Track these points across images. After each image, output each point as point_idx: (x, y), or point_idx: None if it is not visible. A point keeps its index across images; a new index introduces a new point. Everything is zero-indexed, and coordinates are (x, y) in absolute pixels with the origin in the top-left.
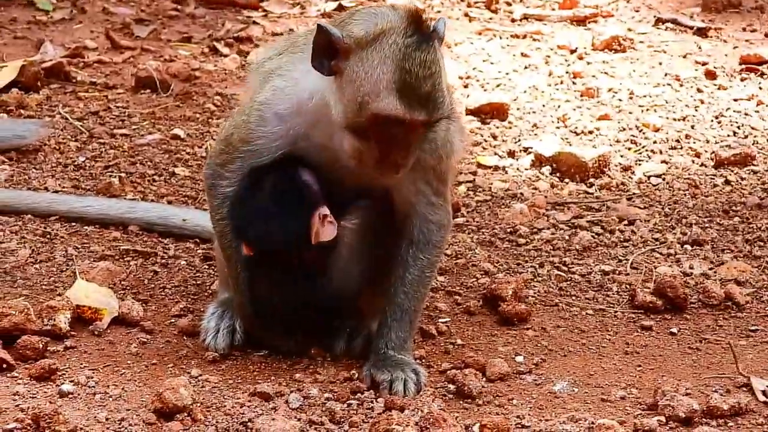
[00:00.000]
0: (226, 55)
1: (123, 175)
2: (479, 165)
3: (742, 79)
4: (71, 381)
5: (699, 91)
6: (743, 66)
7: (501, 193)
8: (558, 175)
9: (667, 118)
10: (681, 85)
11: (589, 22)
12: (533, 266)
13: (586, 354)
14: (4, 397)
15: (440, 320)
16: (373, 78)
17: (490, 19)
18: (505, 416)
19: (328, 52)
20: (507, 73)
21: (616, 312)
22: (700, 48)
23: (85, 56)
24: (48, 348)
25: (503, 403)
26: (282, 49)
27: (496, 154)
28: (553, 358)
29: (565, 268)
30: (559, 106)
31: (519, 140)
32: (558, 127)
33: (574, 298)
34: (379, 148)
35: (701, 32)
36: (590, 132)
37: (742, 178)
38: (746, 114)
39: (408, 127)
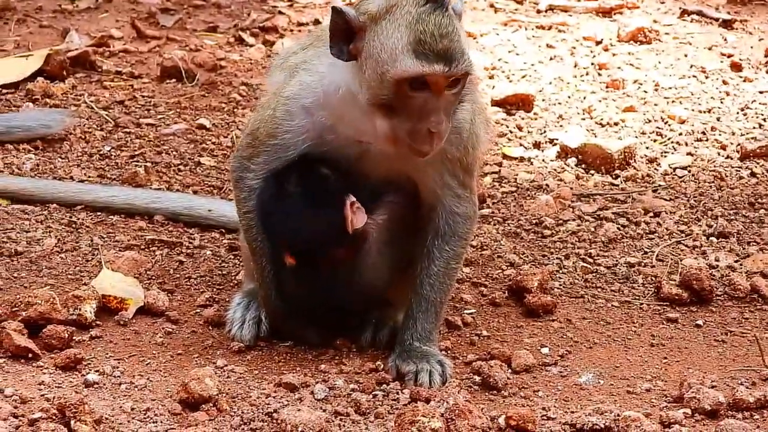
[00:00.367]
0: (251, 45)
1: (148, 164)
2: (505, 156)
3: None
4: (97, 371)
5: (724, 83)
6: None
7: (526, 184)
8: (583, 166)
9: (693, 110)
10: (706, 77)
11: (614, 14)
12: (559, 258)
13: (611, 346)
14: (30, 387)
15: (466, 311)
16: (390, 46)
17: (516, 10)
18: (530, 408)
19: (345, 36)
20: (532, 65)
21: (641, 304)
22: (725, 40)
23: (111, 45)
24: (73, 338)
25: (529, 395)
26: (306, 43)
27: (521, 145)
28: (579, 349)
29: (591, 260)
30: (584, 98)
31: (544, 131)
32: (583, 119)
33: (599, 289)
34: (409, 120)
35: (727, 24)
36: (616, 123)
37: None
38: None
39: (433, 89)
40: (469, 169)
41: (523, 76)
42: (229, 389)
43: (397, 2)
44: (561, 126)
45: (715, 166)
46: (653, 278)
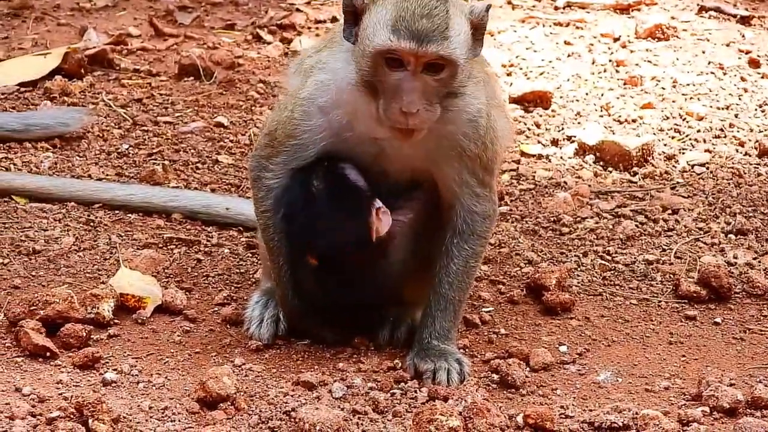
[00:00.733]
0: (269, 43)
1: (166, 162)
2: (523, 153)
3: None
4: (115, 369)
5: (742, 79)
6: None
7: (544, 181)
8: (601, 163)
9: (711, 106)
10: (724, 74)
11: (632, 10)
12: (577, 255)
13: (630, 344)
14: (48, 386)
15: (484, 309)
16: (374, 23)
17: (534, 6)
18: (548, 406)
19: (353, 18)
20: (550, 61)
21: (660, 302)
22: (743, 36)
23: (129, 43)
24: (91, 336)
25: (547, 393)
26: (320, 45)
27: (539, 142)
28: (597, 347)
29: (609, 258)
30: (602, 95)
31: (562, 129)
32: (601, 116)
33: (617, 287)
34: (385, 99)
35: (745, 20)
36: (634, 120)
37: None
38: None
39: (408, 68)
40: (489, 166)
41: (541, 73)
42: (247, 388)
43: None
44: (579, 123)
45: (733, 163)
46: (671, 276)
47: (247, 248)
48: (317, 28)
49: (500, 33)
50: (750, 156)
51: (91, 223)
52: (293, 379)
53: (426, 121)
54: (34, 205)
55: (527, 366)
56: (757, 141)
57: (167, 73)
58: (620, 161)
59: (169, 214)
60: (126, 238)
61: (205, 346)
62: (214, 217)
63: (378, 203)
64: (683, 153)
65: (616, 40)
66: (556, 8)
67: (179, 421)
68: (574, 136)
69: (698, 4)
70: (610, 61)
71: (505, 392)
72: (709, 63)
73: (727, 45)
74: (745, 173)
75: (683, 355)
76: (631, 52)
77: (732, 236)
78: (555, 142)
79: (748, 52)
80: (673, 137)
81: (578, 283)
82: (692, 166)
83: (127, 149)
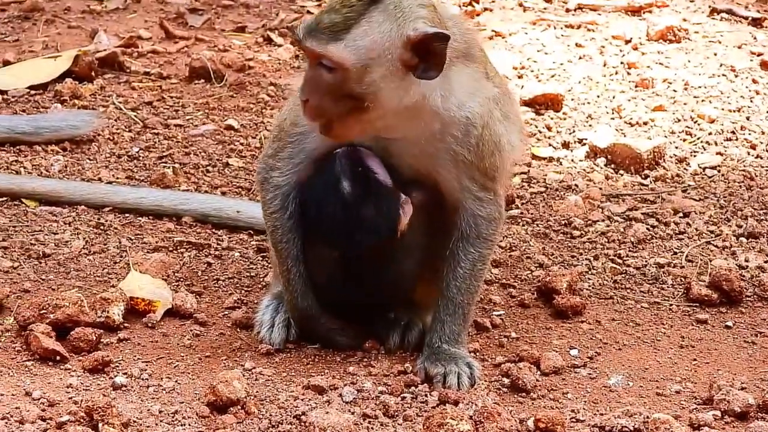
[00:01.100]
0: (280, 45)
1: (177, 165)
2: (534, 156)
3: None
4: (125, 373)
5: (754, 82)
6: None
7: (555, 184)
8: (613, 166)
9: (723, 109)
10: (736, 76)
11: (643, 12)
12: (588, 258)
13: (641, 347)
14: (58, 390)
15: (494, 313)
16: None
17: (545, 9)
18: (559, 410)
19: None
20: (561, 64)
21: (671, 305)
22: (755, 38)
23: (139, 46)
24: (101, 340)
25: (558, 397)
26: None
27: (550, 145)
28: (608, 351)
29: (620, 261)
30: (613, 97)
31: (573, 131)
32: (613, 118)
33: (628, 290)
34: None
35: (756, 22)
36: (645, 123)
37: None
38: None
39: (308, 58)
40: (490, 174)
41: (552, 76)
42: (257, 392)
43: None
44: (590, 126)
45: (744, 166)
46: (683, 279)
47: (258, 251)
48: None
49: (511, 35)
50: (762, 159)
51: (102, 227)
52: (303, 383)
53: (316, 114)
54: (44, 208)
55: (538, 370)
56: None
57: (178, 75)
58: (631, 164)
59: (179, 218)
60: (136, 242)
61: (215, 349)
62: (225, 220)
63: (403, 196)
64: (695, 156)
65: (627, 42)
66: (568, 10)
67: (189, 425)
68: (586, 139)
69: (710, 6)
70: (621, 63)
71: (515, 396)
72: (720, 65)
73: (739, 47)
74: (756, 176)
75: (694, 359)
76: (643, 54)
77: (743, 239)
78: (566, 145)
79: (759, 55)
80: (684, 140)
81: (589, 286)
82: (704, 168)
83: (137, 152)
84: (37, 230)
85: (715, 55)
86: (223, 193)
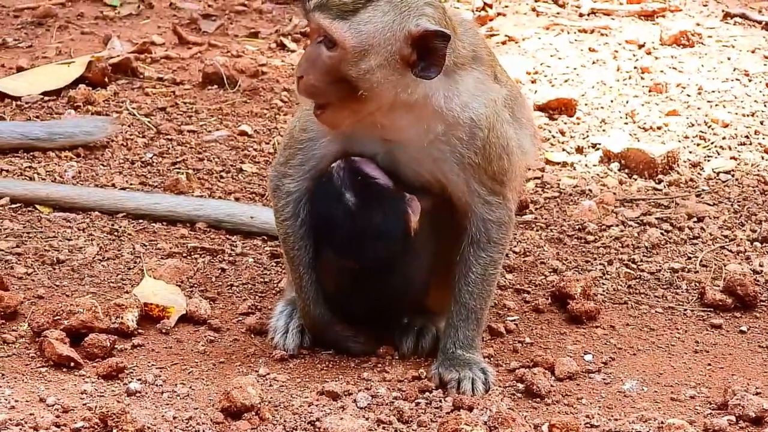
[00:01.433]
0: (293, 51)
1: (190, 171)
2: (547, 161)
3: None
4: (139, 379)
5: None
6: None
7: (569, 189)
8: (626, 171)
9: (736, 113)
10: (750, 81)
11: (657, 17)
12: (602, 264)
13: (655, 352)
14: (72, 396)
15: (508, 318)
16: None
17: (558, 13)
18: (574, 416)
19: None
20: (575, 69)
21: (685, 310)
22: None
23: (153, 52)
24: (115, 346)
25: (572, 403)
26: None
27: (564, 150)
28: (622, 356)
29: (634, 266)
30: (627, 102)
31: (587, 136)
32: (626, 123)
33: (643, 295)
34: None
35: None
36: (659, 128)
37: None
38: None
39: (311, 34)
40: (498, 178)
41: (566, 81)
42: (271, 398)
43: None
44: (604, 130)
45: (758, 171)
46: (697, 284)
47: (272, 257)
48: None
49: (524, 40)
50: None
51: (115, 233)
52: (318, 389)
53: (307, 90)
54: (58, 214)
55: (552, 375)
56: None
57: (191, 81)
58: (645, 169)
59: (193, 224)
60: (150, 248)
61: (229, 355)
62: (239, 226)
63: (407, 195)
64: (708, 160)
65: (640, 46)
66: (581, 15)
67: (204, 431)
68: (599, 144)
69: (723, 11)
70: (634, 68)
71: (530, 401)
72: (734, 70)
73: (753, 51)
74: None
75: (709, 364)
76: (656, 58)
77: (758, 244)
78: (580, 150)
79: None
80: (698, 144)
81: (603, 291)
82: (717, 173)
83: (151, 158)
84: (51, 236)
85: (729, 59)
86: (237, 199)
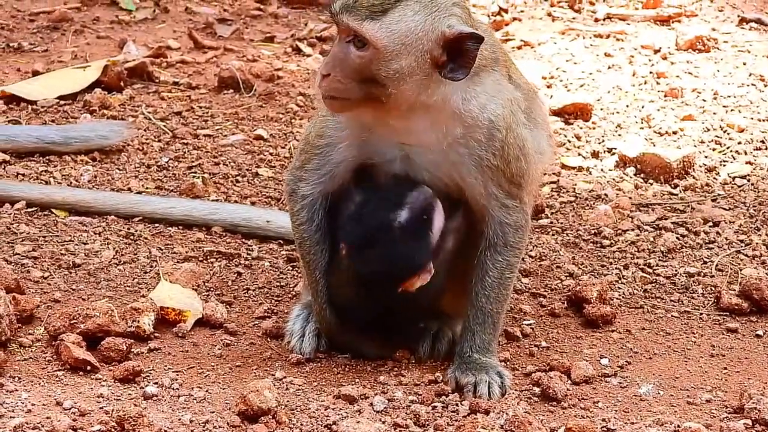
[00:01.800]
0: (308, 55)
1: (206, 175)
2: (563, 166)
3: None
4: (155, 383)
5: None
6: None
7: (585, 194)
8: (642, 176)
9: (752, 118)
10: (765, 86)
11: (672, 22)
12: (618, 268)
13: (671, 356)
14: (89, 400)
15: (525, 322)
16: None
17: (573, 18)
18: (590, 419)
19: None
20: (590, 73)
21: (701, 314)
22: None
23: (168, 56)
24: (132, 350)
25: (588, 406)
26: None
27: (579, 154)
28: (639, 360)
29: (650, 270)
30: (642, 107)
31: (603, 141)
32: (642, 128)
33: (659, 300)
34: None
35: None
36: (674, 132)
37: None
38: None
39: (339, 34)
40: (516, 181)
41: (581, 85)
42: (288, 401)
43: None
44: (619, 135)
45: None
46: (713, 288)
47: (288, 261)
48: None
49: (540, 45)
50: None
51: (131, 237)
52: (334, 393)
53: (332, 89)
54: (74, 218)
55: (569, 379)
56: None
57: (207, 85)
58: (661, 173)
59: (209, 227)
60: (166, 252)
61: (245, 359)
62: (255, 230)
63: (431, 263)
64: (724, 165)
65: (656, 51)
66: (596, 20)
67: None
68: (615, 149)
69: (739, 16)
70: (650, 72)
71: (546, 405)
72: (750, 75)
73: None
74: None
75: (725, 368)
76: (672, 63)
77: None
78: (595, 155)
79: None
80: (713, 149)
81: (619, 295)
82: (733, 178)
83: (166, 162)
84: (67, 240)
85: (744, 64)
86: (253, 203)
